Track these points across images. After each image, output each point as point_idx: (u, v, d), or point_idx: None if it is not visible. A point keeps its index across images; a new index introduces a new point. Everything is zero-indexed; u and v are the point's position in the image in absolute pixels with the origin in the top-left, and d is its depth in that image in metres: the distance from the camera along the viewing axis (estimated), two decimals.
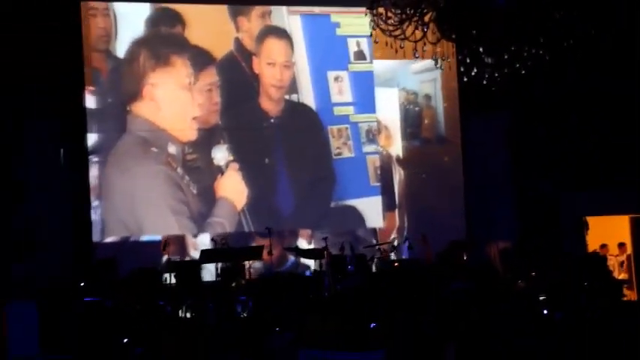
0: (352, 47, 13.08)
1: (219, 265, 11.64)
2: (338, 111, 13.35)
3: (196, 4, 12.58)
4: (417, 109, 13.76)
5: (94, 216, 12.27)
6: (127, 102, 12.48)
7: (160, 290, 11.53)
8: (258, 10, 12.68)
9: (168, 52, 12.43)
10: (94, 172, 12.33)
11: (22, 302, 10.79)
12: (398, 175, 13.76)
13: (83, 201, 12.71)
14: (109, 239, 12.34)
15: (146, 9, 12.31)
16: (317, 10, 12.86)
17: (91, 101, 12.40)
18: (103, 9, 12.15)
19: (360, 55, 13.39)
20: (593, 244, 14.51)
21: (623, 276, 15.28)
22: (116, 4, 12.35)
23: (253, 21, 12.73)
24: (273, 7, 12.66)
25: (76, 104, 12.75)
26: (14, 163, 12.51)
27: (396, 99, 13.53)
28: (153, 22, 12.34)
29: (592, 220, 14.04)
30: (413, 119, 13.74)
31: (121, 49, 12.42)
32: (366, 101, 13.42)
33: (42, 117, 12.50)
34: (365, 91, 13.44)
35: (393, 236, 13.50)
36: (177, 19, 12.33)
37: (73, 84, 12.68)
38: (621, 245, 15.76)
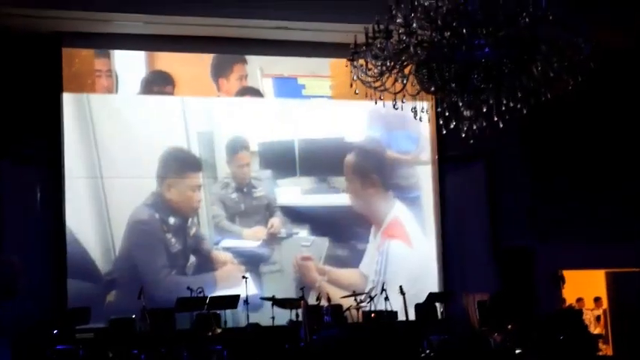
0: None
1: (195, 313, 11.58)
2: None
3: (184, 66, 13.43)
4: None
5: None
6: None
7: (133, 338, 11.44)
8: (236, 73, 13.49)
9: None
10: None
11: None
12: None
13: (60, 246, 12.76)
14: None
15: (142, 72, 13.17)
16: (286, 74, 13.63)
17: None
18: (106, 70, 13.01)
19: None
20: (569, 298, 14.55)
21: (598, 330, 15.31)
22: (118, 67, 13.17)
23: (232, 82, 13.47)
24: (249, 71, 13.46)
25: (55, 151, 12.91)
26: None
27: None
28: (147, 82, 13.14)
29: (568, 274, 14.08)
30: None
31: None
32: None
33: (19, 163, 12.61)
34: None
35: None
36: (168, 81, 13.14)
37: (51, 128, 12.91)
38: (597, 299, 15.81)
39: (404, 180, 13.98)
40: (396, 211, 13.84)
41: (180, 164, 13.08)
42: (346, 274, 13.53)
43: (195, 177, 13.13)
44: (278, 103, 13.60)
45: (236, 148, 13.37)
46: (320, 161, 13.60)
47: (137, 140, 12.94)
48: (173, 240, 12.83)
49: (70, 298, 12.46)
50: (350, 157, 13.76)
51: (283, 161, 13.49)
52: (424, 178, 14.11)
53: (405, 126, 13.68)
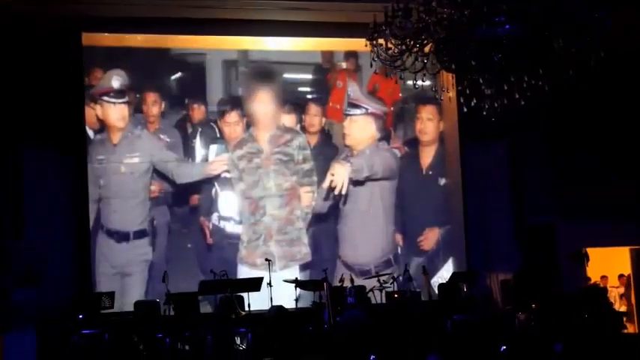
0: None
1: (219, 296, 11.64)
2: None
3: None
4: None
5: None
6: None
7: (158, 322, 11.50)
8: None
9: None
10: None
11: (21, 332, 10.76)
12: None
13: (84, 232, 12.89)
14: None
15: None
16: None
17: None
18: None
19: None
20: (593, 275, 14.48)
21: (623, 308, 15.25)
22: None
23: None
24: None
25: (79, 139, 13.01)
26: (15, 196, 12.56)
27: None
28: None
29: (592, 252, 14.00)
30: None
31: None
32: None
33: (43, 152, 12.66)
34: None
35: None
36: None
37: (75, 119, 13.00)
38: (621, 277, 15.75)
39: None
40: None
41: None
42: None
43: None
44: None
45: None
46: None
47: None
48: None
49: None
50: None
51: None
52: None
53: None
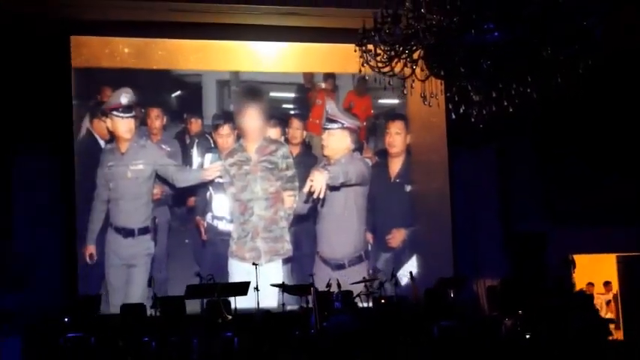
0: None
1: (205, 299, 11.71)
2: None
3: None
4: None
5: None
6: None
7: (144, 326, 11.48)
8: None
9: None
10: None
11: (7, 336, 10.72)
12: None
13: (71, 236, 12.96)
14: None
15: None
16: None
17: None
18: None
19: None
20: (579, 282, 14.51)
21: (609, 315, 15.28)
22: None
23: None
24: None
25: (66, 144, 13.11)
26: (4, 199, 12.63)
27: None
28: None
29: (579, 259, 14.04)
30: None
31: None
32: None
33: (32, 155, 12.82)
34: None
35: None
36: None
37: (63, 125, 13.13)
38: (607, 284, 15.78)
39: None
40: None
41: None
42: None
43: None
44: None
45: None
46: None
47: None
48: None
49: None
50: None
51: None
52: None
53: None
